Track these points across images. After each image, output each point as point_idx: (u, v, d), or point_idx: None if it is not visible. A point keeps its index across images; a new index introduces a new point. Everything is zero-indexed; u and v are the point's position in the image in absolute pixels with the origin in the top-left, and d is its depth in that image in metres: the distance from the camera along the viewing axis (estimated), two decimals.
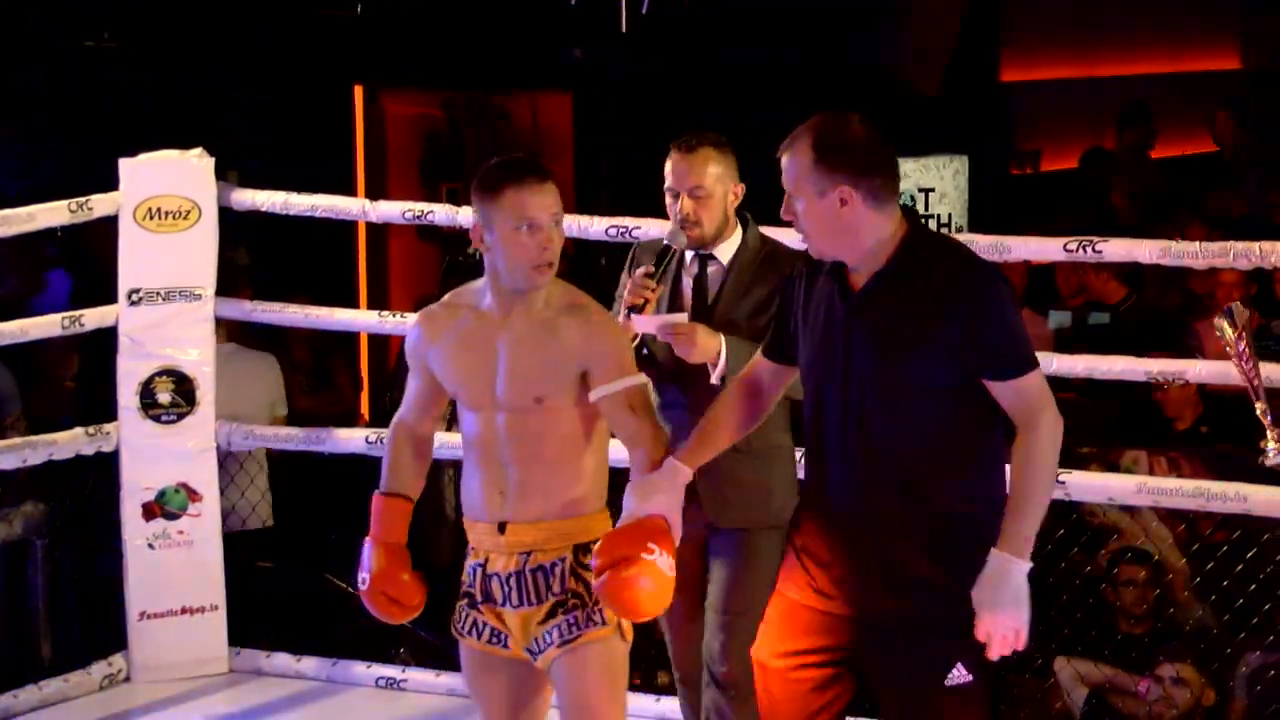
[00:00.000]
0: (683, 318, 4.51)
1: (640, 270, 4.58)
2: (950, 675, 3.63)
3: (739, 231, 4.64)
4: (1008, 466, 3.70)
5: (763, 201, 4.69)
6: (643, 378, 3.87)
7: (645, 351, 4.57)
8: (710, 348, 4.42)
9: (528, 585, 3.86)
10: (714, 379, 4.41)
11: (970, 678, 3.63)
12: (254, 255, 8.38)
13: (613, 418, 3.84)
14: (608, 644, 3.86)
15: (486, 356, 3.86)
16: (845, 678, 3.77)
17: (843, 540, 3.68)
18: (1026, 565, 3.58)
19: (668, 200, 4.62)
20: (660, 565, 3.66)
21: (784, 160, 3.69)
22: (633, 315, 4.47)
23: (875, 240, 3.65)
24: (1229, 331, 4.26)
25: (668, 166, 4.61)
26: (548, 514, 3.85)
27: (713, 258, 4.64)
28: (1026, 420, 3.61)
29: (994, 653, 3.60)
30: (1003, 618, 3.56)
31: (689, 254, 4.66)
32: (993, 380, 3.61)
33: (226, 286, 6.24)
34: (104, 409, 6.15)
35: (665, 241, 4.62)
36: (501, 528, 3.87)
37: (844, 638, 3.72)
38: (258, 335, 7.59)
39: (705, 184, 4.55)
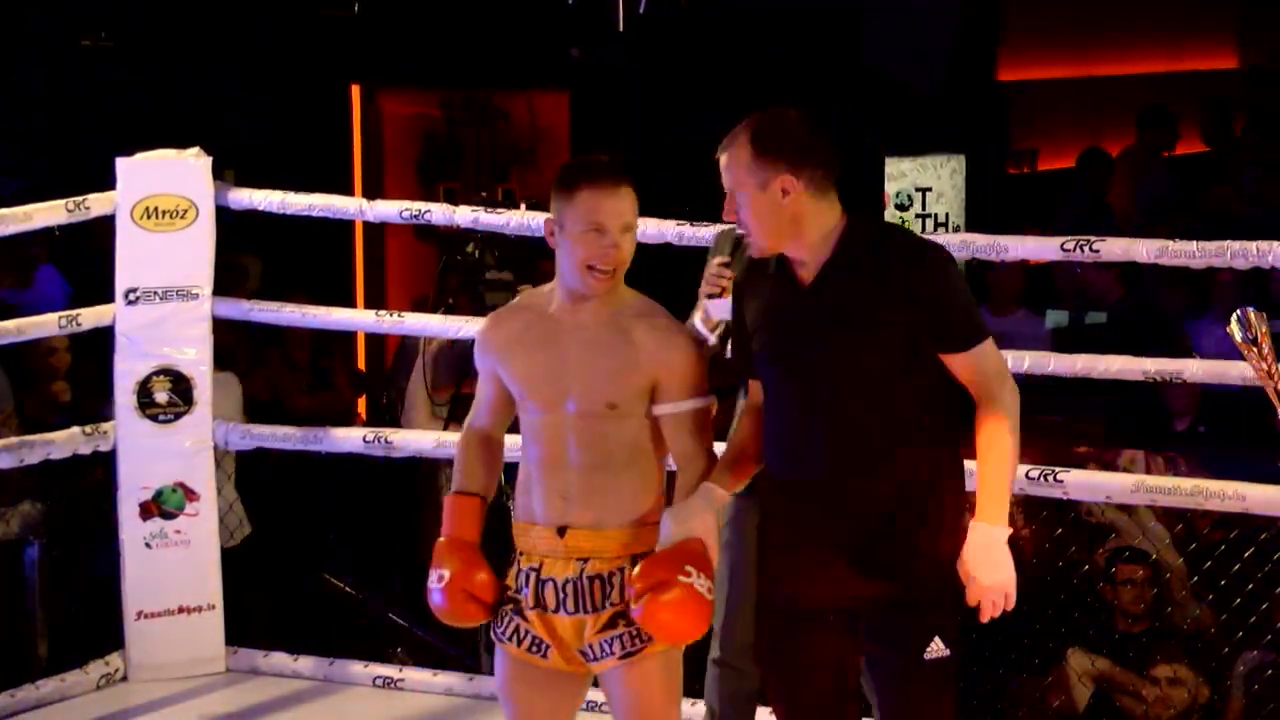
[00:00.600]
0: None
1: (716, 260, 4.60)
2: (930, 650, 3.68)
3: None
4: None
5: None
6: (708, 399, 3.85)
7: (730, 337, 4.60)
8: None
9: (584, 593, 3.83)
10: None
11: (948, 652, 3.70)
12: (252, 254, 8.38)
13: (670, 435, 3.83)
14: (668, 655, 3.87)
15: (557, 359, 3.82)
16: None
17: (814, 530, 3.70)
18: (1007, 531, 3.67)
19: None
20: (698, 588, 3.68)
21: (723, 159, 3.73)
22: (709, 302, 4.48)
23: (820, 230, 3.69)
24: (1241, 334, 4.25)
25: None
26: (608, 521, 3.82)
27: None
28: (986, 390, 3.68)
29: (985, 616, 3.68)
30: (992, 583, 3.65)
31: None
32: (950, 353, 3.66)
33: (227, 291, 6.21)
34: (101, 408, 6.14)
35: (739, 230, 4.65)
36: (561, 532, 3.84)
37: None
38: (256, 335, 7.60)
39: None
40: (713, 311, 4.45)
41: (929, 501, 3.69)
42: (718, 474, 3.82)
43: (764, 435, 3.80)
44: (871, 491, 3.66)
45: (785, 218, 3.67)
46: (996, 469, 3.68)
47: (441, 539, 3.97)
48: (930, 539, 3.68)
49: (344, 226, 10.24)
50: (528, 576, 3.89)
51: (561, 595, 3.85)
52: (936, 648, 3.68)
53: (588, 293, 3.81)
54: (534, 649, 3.89)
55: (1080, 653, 6.10)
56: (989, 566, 3.65)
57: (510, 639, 3.92)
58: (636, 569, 3.74)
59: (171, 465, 6.02)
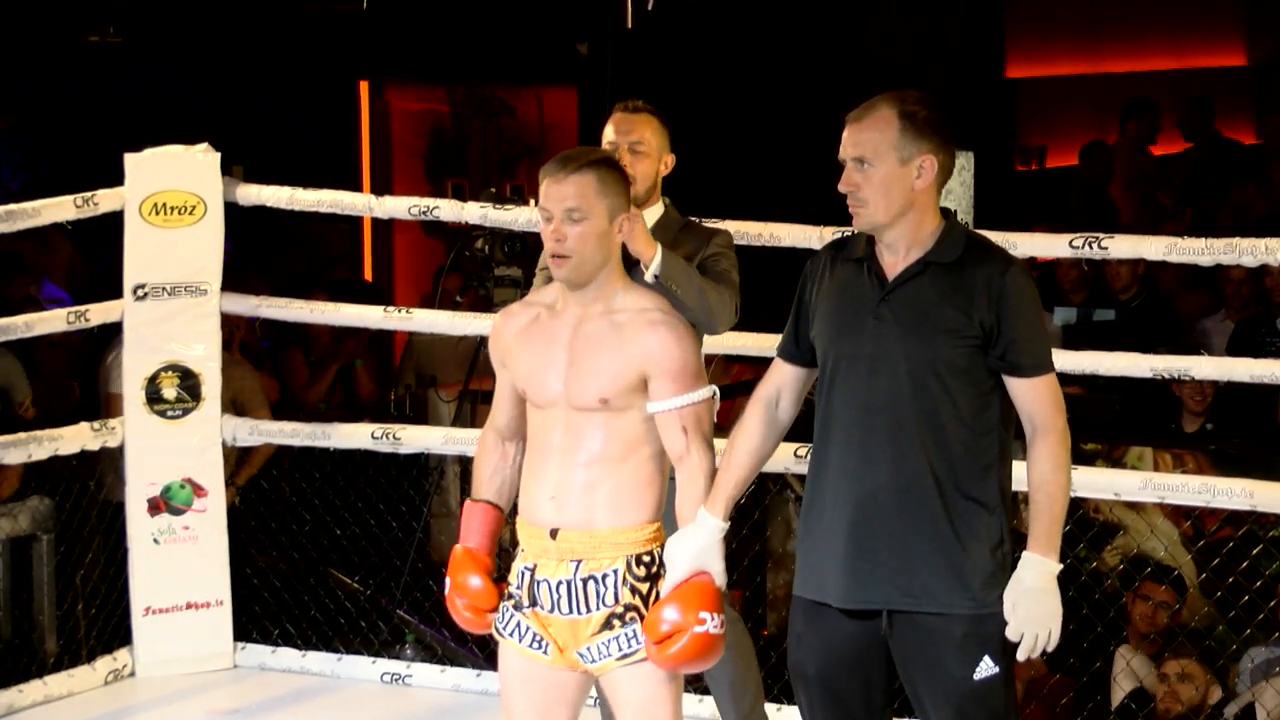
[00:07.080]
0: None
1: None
2: (979, 669, 3.65)
3: (661, 205, 4.75)
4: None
5: (768, 193, 4.70)
6: (703, 393, 3.81)
7: None
8: (648, 239, 4.43)
9: (578, 594, 3.81)
10: (647, 276, 4.40)
11: (998, 669, 3.66)
12: (258, 250, 8.37)
13: (664, 433, 3.81)
14: None
15: (554, 353, 3.82)
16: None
17: (863, 533, 3.67)
18: (1058, 566, 3.64)
19: None
20: (712, 631, 3.71)
21: (859, 126, 3.69)
22: None
23: (930, 223, 3.68)
24: None
25: (609, 125, 4.72)
26: (601, 522, 3.80)
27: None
28: (1043, 421, 3.65)
29: (1024, 653, 3.63)
30: (1036, 618, 3.61)
31: None
32: (1016, 377, 3.64)
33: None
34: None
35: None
36: (554, 534, 3.82)
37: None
38: (270, 330, 7.59)
39: (645, 139, 4.69)
40: None
41: (984, 515, 3.65)
42: (715, 501, 3.78)
43: (816, 420, 3.77)
44: (929, 494, 3.63)
45: (910, 198, 3.65)
46: (1053, 500, 3.63)
47: (455, 546, 3.99)
48: (983, 553, 3.64)
49: (352, 222, 10.25)
50: (524, 575, 3.88)
51: (555, 596, 3.83)
52: (987, 665, 3.64)
53: (556, 277, 3.82)
54: (534, 645, 3.88)
55: (1125, 652, 6.06)
56: (1036, 600, 3.60)
57: (511, 635, 3.91)
58: (648, 616, 3.74)
59: (180, 461, 6.03)
